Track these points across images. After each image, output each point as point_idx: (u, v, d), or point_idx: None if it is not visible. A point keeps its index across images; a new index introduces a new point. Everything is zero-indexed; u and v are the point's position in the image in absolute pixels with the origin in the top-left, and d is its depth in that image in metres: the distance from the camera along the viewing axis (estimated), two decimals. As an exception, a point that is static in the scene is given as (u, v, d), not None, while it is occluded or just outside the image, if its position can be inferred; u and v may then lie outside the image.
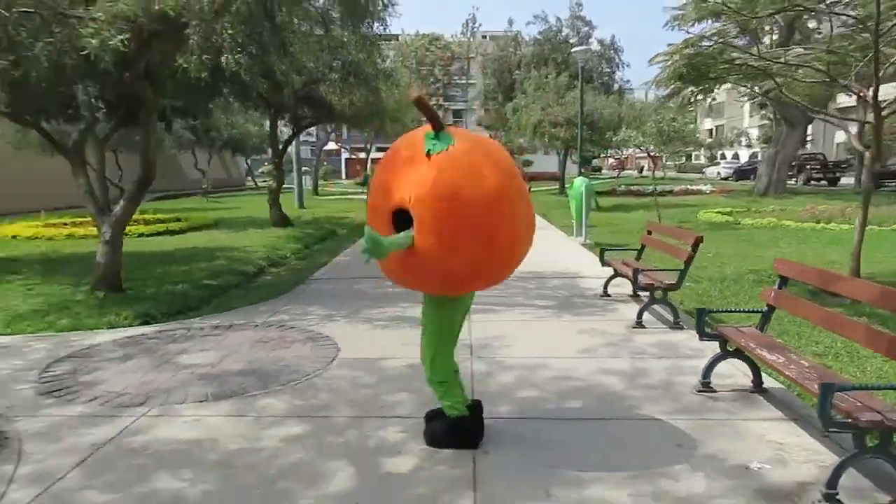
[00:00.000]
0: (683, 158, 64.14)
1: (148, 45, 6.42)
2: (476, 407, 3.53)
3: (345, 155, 65.28)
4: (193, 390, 4.36)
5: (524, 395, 4.26)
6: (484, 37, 62.37)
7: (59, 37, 5.77)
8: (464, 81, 63.24)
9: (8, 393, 4.27)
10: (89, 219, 16.71)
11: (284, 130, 18.61)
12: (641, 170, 43.71)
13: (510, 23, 57.63)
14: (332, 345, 5.44)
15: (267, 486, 3.05)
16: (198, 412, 3.99)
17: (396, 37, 65.85)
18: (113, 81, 7.46)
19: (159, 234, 14.72)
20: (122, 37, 5.50)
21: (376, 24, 8.63)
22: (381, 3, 8.03)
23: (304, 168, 28.97)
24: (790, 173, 26.68)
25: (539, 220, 17.32)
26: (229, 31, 5.93)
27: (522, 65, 37.92)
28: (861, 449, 2.77)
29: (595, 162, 38.22)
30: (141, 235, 14.20)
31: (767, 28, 15.89)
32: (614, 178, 38.16)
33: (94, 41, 5.40)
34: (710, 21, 7.50)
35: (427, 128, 3.14)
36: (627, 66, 41.03)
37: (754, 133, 59.69)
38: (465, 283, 3.20)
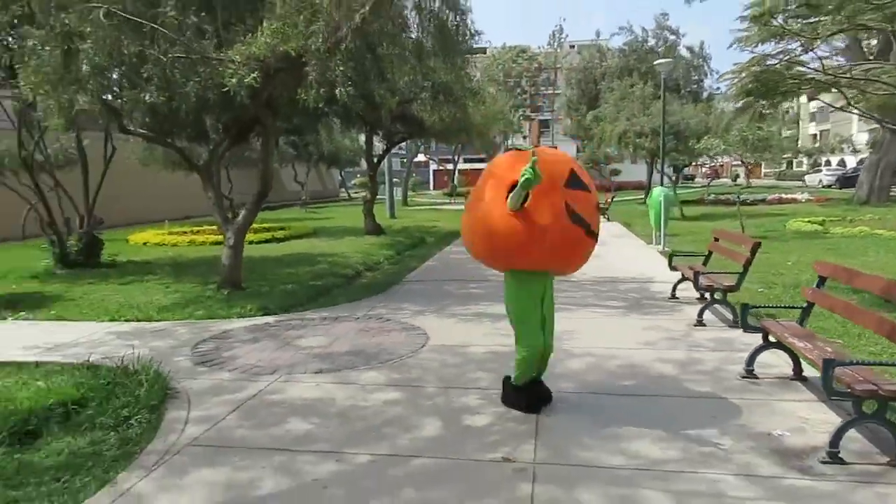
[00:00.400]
0: (783, 166, 61.36)
1: (272, 79, 7.58)
2: (537, 382, 4.29)
3: (433, 166, 67.07)
4: (311, 365, 5.35)
5: (586, 376, 4.96)
6: (572, 46, 62.43)
7: (205, 76, 7.04)
8: (550, 92, 63.56)
9: (171, 362, 5.41)
10: (205, 227, 18.64)
11: (378, 145, 19.91)
12: (736, 178, 42.42)
13: (597, 34, 57.29)
14: (422, 334, 6.34)
15: (374, 431, 3.94)
16: (315, 380, 4.96)
17: (484, 50, 67.10)
18: (239, 109, 8.76)
19: (266, 241, 16.28)
20: (254, 74, 6.66)
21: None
22: (468, 33, 8.95)
23: (394, 180, 30.50)
24: (895, 181, 25.43)
25: (620, 228, 17.75)
26: (340, 68, 6.96)
27: (607, 75, 38.02)
28: (860, 415, 3.31)
29: (687, 171, 37.58)
30: (251, 243, 15.76)
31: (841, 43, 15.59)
32: (705, 186, 37.42)
33: (233, 80, 6.58)
34: (774, 41, 7.88)
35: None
36: (716, 73, 39.86)
37: (864, 138, 56.41)
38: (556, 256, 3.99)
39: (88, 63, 6.91)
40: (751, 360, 4.79)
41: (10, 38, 8.39)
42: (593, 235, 4.05)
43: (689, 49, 41.33)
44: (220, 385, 4.87)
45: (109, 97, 8.38)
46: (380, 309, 7.63)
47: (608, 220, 21.13)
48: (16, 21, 7.78)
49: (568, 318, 6.96)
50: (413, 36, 8.67)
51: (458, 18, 8.45)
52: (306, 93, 7.00)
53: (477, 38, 9.00)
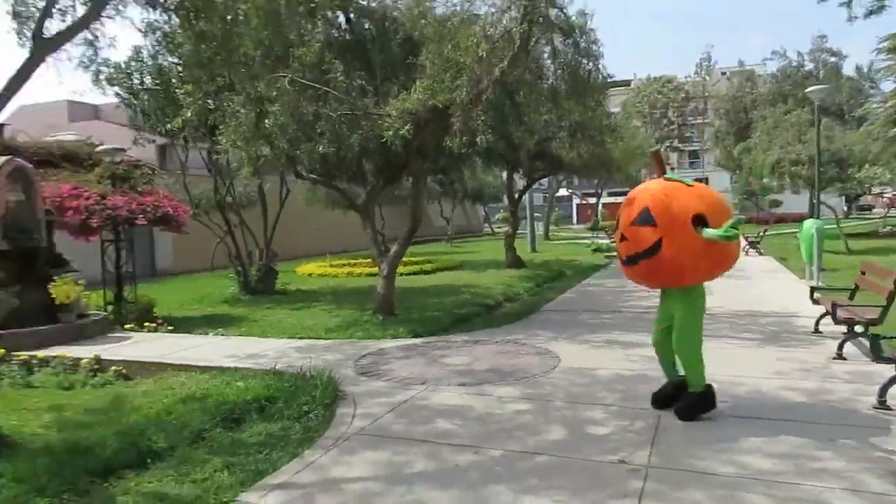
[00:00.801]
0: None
1: (423, 129, 8.59)
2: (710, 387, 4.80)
3: (576, 201, 66.86)
4: (454, 379, 6.09)
5: (708, 399, 5.22)
6: (723, 73, 59.90)
7: (366, 128, 8.20)
8: (699, 122, 61.28)
9: (338, 372, 6.39)
10: (360, 260, 20.37)
11: (519, 182, 20.71)
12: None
13: (739, 63, 54.38)
14: (555, 357, 6.87)
15: (506, 433, 4.56)
16: (458, 391, 5.69)
17: (628, 82, 66.30)
18: (392, 154, 9.92)
19: (415, 273, 17.52)
20: (407, 127, 7.70)
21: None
22: (599, 77, 9.48)
23: (536, 214, 31.11)
24: None
25: (772, 263, 16.97)
26: (482, 117, 7.81)
27: (758, 103, 36.20)
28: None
29: (865, 199, 34.52)
30: (402, 274, 17.05)
31: None
32: (882, 218, 33.95)
33: (389, 132, 7.65)
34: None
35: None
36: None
37: None
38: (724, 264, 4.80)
39: (275, 122, 8.31)
40: (883, 391, 4.82)
41: (211, 102, 10.13)
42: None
43: (858, 69, 38.35)
44: (378, 391, 5.75)
45: (289, 148, 9.89)
46: (516, 335, 8.24)
47: (760, 253, 20.20)
48: (217, 89, 9.51)
49: (699, 347, 7.15)
50: (548, 82, 9.36)
51: (591, 64, 9.01)
52: (451, 140, 7.93)
53: (609, 79, 9.46)
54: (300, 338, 8.41)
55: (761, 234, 21.67)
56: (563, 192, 52.69)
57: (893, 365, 4.84)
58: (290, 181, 14.66)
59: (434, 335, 8.46)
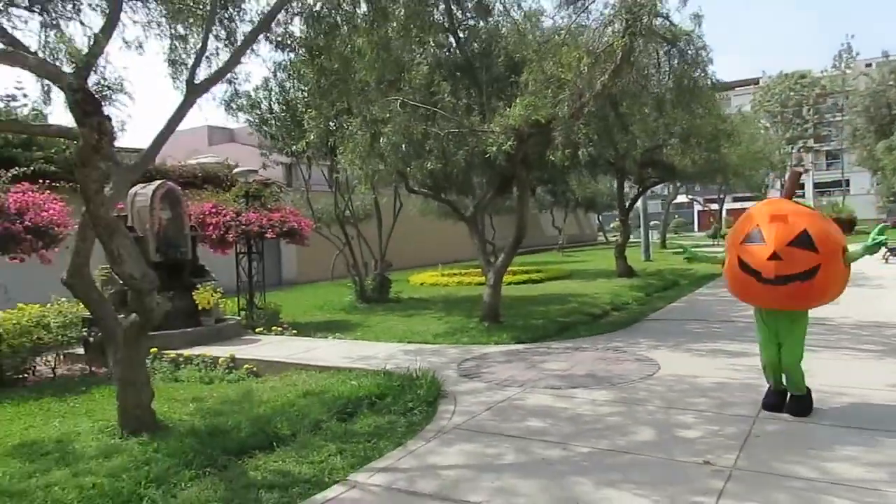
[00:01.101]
0: None
1: (525, 143, 8.91)
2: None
3: (697, 207, 63.95)
4: (551, 382, 6.35)
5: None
6: (868, 65, 54.93)
7: (472, 144, 8.66)
8: (838, 119, 56.69)
9: (442, 374, 6.83)
10: (471, 270, 20.89)
11: (629, 190, 20.42)
12: None
13: (884, 54, 49.73)
14: (654, 364, 6.92)
15: (596, 432, 4.77)
16: (553, 393, 5.94)
17: (757, 80, 62.62)
18: (498, 167, 10.31)
19: (524, 282, 17.76)
20: (510, 142, 8.05)
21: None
22: (709, 83, 9.36)
23: (653, 222, 30.27)
24: None
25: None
26: (583, 130, 8.02)
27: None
28: None
29: None
30: (510, 284, 17.37)
31: None
32: None
33: (493, 147, 8.05)
34: None
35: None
36: None
37: None
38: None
39: (388, 142, 8.97)
40: None
41: (332, 125, 11.01)
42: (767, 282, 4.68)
43: None
44: (478, 391, 6.13)
45: (401, 165, 10.58)
46: (617, 342, 8.32)
47: (886, 261, 18.59)
48: (336, 113, 10.36)
49: (813, 357, 6.90)
50: (654, 91, 9.36)
51: (698, 71, 8.92)
52: (553, 153, 8.19)
53: (717, 83, 9.32)
54: (409, 342, 8.97)
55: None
56: (682, 198, 50.66)
57: None
58: (403, 195, 15.47)
59: (536, 342, 8.72)
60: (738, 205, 49.86)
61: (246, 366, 7.80)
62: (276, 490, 3.98)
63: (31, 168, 7.97)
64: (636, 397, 5.68)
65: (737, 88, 60.12)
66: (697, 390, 5.82)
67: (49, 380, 7.85)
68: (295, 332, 10.31)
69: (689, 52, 8.78)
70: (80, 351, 8.63)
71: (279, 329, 10.34)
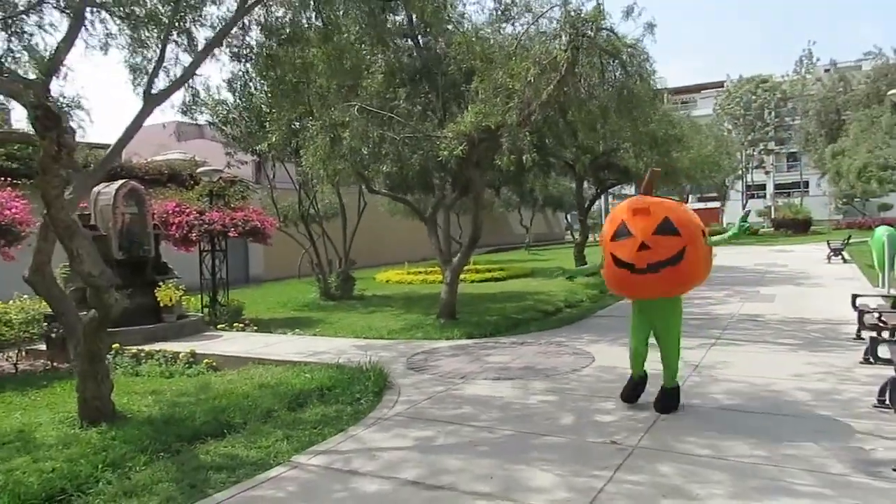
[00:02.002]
0: None
1: (477, 147, 9.35)
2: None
3: (663, 207, 65.05)
4: (490, 374, 6.81)
5: (717, 396, 5.67)
6: (826, 70, 56.68)
7: (426, 149, 9.08)
8: (797, 122, 58.35)
9: (391, 367, 7.25)
10: (437, 268, 21.31)
11: (589, 190, 21.03)
12: None
13: (832, 63, 51.36)
14: (589, 357, 7.44)
15: (523, 418, 5.24)
16: (491, 384, 6.40)
17: (722, 83, 64.04)
18: (454, 170, 10.75)
19: (485, 280, 18.23)
20: (461, 147, 8.49)
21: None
22: (650, 94, 9.90)
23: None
24: None
25: (853, 270, 16.46)
26: (528, 137, 8.49)
27: (851, 104, 34.44)
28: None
29: None
30: (472, 282, 17.84)
31: None
32: None
33: (445, 152, 8.48)
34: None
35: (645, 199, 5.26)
36: None
37: None
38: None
39: (346, 145, 9.33)
40: (882, 391, 5.10)
41: (296, 125, 11.30)
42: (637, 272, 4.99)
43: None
44: (421, 383, 6.56)
45: (361, 168, 10.95)
46: (560, 337, 8.84)
47: (845, 261, 19.50)
48: (299, 116, 10.68)
49: (732, 350, 7.50)
50: (598, 100, 9.86)
51: (638, 81, 9.45)
52: (500, 158, 8.65)
53: (657, 92, 9.88)
54: (365, 337, 9.36)
55: (846, 240, 20.85)
56: (647, 199, 51.58)
57: (893, 366, 5.10)
58: (366, 194, 15.82)
59: (486, 337, 9.18)
60: (701, 205, 51.13)
61: (206, 360, 8.11)
62: (224, 471, 4.35)
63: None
64: (566, 387, 6.17)
65: (703, 91, 61.58)
66: (624, 379, 6.30)
67: (11, 375, 8.06)
68: (256, 328, 10.62)
69: (633, 63, 9.30)
70: (42, 347, 8.84)
71: (241, 325, 10.64)
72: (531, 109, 8.80)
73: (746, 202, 43.07)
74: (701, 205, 51.06)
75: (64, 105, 4.13)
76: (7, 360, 8.52)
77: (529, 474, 4.08)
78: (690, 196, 44.47)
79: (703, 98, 60.45)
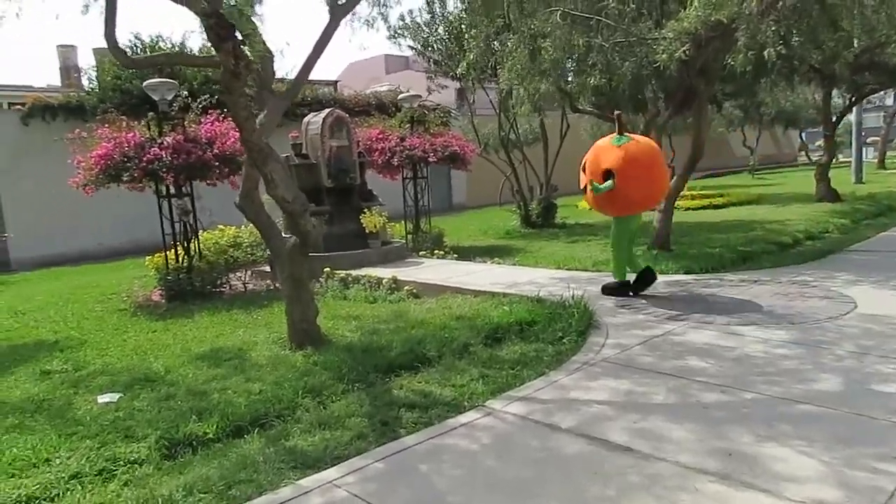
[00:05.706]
0: None
1: (705, 49, 7.89)
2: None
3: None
4: (720, 318, 5.74)
5: None
6: None
7: (640, 55, 7.85)
8: None
9: (597, 303, 6.51)
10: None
11: (841, 100, 17.63)
12: None
13: None
14: (850, 302, 5.99)
15: (766, 376, 4.23)
16: (721, 329, 5.37)
17: None
18: (673, 80, 9.31)
19: (703, 208, 16.36)
20: (684, 48, 7.16)
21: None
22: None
23: (872, 138, 25.94)
24: None
25: None
26: (773, 28, 6.86)
27: None
28: None
29: None
30: (688, 209, 16.11)
31: None
32: None
33: (664, 56, 7.21)
34: None
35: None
36: None
37: None
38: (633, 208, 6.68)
39: (548, 58, 8.43)
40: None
41: (496, 44, 10.61)
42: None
43: None
44: (633, 323, 5.74)
45: (563, 84, 9.97)
46: (806, 276, 7.32)
47: None
48: (497, 31, 9.92)
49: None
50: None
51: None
52: (734, 58, 7.15)
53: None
54: (567, 269, 8.68)
55: None
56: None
57: None
58: (571, 116, 14.75)
59: (708, 273, 7.98)
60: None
61: (406, 287, 8.05)
62: (417, 409, 4.05)
63: (216, 98, 8.60)
64: (822, 339, 4.94)
65: None
66: (903, 335, 4.93)
67: (241, 294, 8.76)
68: (456, 255, 10.44)
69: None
70: (268, 269, 9.49)
71: (441, 253, 10.54)
72: (778, -7, 7.10)
73: None
74: None
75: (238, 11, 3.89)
76: (238, 279, 9.28)
77: (782, 455, 3.17)
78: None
79: None
